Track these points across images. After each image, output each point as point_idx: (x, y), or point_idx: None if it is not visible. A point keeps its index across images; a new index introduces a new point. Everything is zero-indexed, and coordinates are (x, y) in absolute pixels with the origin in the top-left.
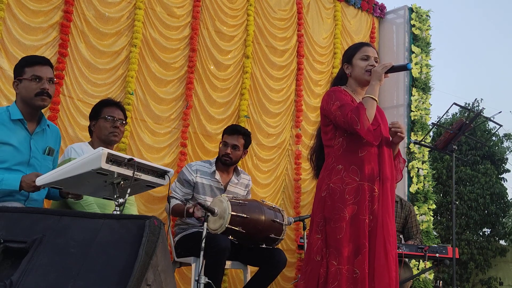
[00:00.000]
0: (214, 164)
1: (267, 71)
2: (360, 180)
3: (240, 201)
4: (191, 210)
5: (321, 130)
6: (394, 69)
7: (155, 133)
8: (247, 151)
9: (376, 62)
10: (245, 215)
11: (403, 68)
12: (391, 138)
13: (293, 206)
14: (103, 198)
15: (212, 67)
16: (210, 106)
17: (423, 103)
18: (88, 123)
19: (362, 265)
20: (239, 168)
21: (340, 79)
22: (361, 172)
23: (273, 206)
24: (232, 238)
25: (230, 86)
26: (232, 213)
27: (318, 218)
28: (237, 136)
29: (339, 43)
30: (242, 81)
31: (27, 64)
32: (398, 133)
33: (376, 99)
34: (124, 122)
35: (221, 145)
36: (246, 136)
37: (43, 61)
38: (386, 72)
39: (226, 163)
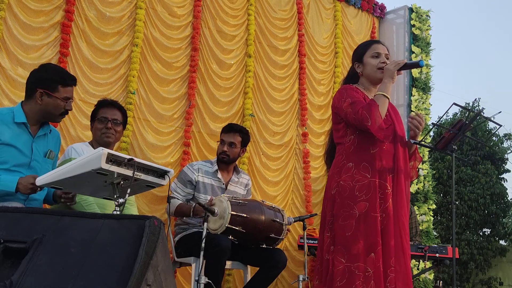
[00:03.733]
0: (215, 164)
1: (269, 70)
2: (371, 177)
3: (240, 201)
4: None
5: (333, 127)
6: (406, 66)
7: (159, 132)
8: (245, 149)
9: (387, 59)
10: (245, 215)
11: (416, 65)
12: (406, 138)
13: (305, 205)
14: (103, 198)
15: (214, 66)
16: (214, 105)
17: (423, 103)
18: (89, 123)
19: (377, 263)
20: (238, 168)
21: (351, 78)
22: (372, 169)
23: (273, 206)
24: (232, 238)
25: (233, 85)
26: (232, 212)
27: (328, 216)
28: (233, 134)
29: (340, 42)
30: (245, 80)
31: (62, 83)
32: (416, 126)
33: (389, 96)
34: (118, 121)
35: (218, 144)
36: (243, 133)
37: (75, 83)
38: (399, 70)
39: (224, 161)
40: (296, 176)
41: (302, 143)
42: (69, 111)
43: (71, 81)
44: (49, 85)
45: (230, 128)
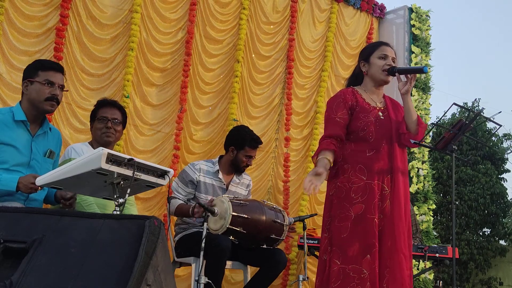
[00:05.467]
0: (217, 164)
1: (253, 75)
2: (367, 179)
3: (241, 202)
4: (196, 215)
5: None
6: (409, 71)
7: (146, 136)
8: None
9: (394, 62)
10: (246, 216)
11: (419, 70)
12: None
13: (282, 207)
14: (103, 198)
15: (201, 70)
16: (199, 109)
17: (423, 103)
18: (82, 127)
19: (372, 265)
20: None
21: (356, 77)
22: (368, 171)
23: (274, 206)
24: (233, 238)
25: (218, 89)
26: (233, 213)
27: (326, 217)
28: (256, 150)
29: (331, 46)
30: (231, 84)
31: (41, 68)
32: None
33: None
34: (118, 121)
35: (240, 155)
36: None
37: (57, 67)
38: (401, 74)
39: (243, 171)
40: (273, 179)
41: (284, 147)
42: (62, 105)
43: (50, 64)
44: (30, 73)
45: (258, 144)
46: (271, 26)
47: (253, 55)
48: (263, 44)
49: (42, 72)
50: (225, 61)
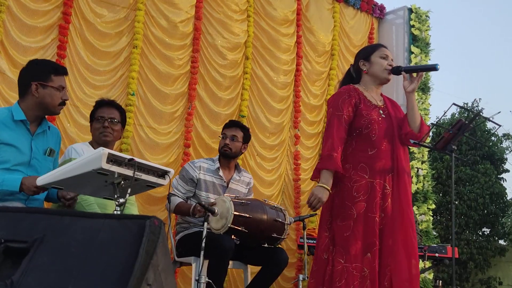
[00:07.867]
0: (217, 161)
1: (266, 71)
2: (369, 177)
3: (243, 201)
4: (198, 215)
5: None
6: (419, 69)
7: (157, 133)
8: (247, 146)
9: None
10: (247, 215)
11: (432, 68)
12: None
13: (293, 206)
14: (104, 198)
15: (212, 67)
16: (211, 106)
17: (422, 103)
18: (87, 124)
19: (372, 263)
20: (240, 166)
21: (351, 77)
22: (370, 170)
23: (275, 205)
24: (234, 238)
25: (231, 86)
26: (235, 213)
27: (326, 216)
28: (235, 128)
29: (337, 44)
30: (242, 81)
31: (54, 72)
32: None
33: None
34: (115, 120)
35: (221, 141)
36: (245, 129)
37: (66, 72)
38: (407, 72)
39: (226, 154)
40: (286, 178)
41: (294, 145)
42: (66, 104)
43: (62, 69)
44: (42, 76)
45: (231, 123)
46: (281, 22)
47: (265, 51)
48: (275, 40)
49: (56, 77)
50: (235, 58)
